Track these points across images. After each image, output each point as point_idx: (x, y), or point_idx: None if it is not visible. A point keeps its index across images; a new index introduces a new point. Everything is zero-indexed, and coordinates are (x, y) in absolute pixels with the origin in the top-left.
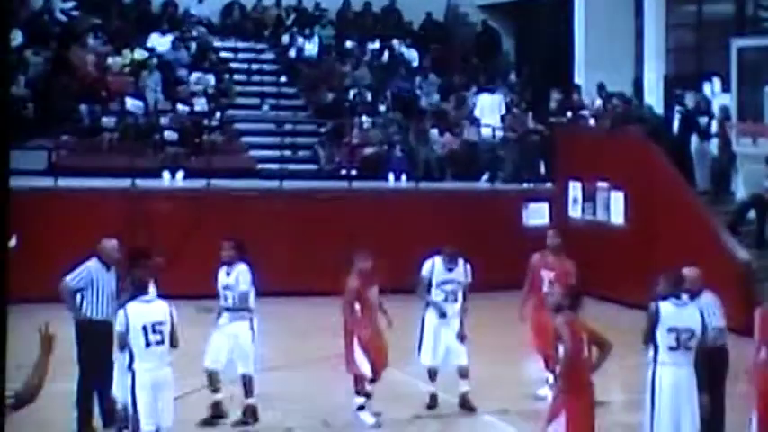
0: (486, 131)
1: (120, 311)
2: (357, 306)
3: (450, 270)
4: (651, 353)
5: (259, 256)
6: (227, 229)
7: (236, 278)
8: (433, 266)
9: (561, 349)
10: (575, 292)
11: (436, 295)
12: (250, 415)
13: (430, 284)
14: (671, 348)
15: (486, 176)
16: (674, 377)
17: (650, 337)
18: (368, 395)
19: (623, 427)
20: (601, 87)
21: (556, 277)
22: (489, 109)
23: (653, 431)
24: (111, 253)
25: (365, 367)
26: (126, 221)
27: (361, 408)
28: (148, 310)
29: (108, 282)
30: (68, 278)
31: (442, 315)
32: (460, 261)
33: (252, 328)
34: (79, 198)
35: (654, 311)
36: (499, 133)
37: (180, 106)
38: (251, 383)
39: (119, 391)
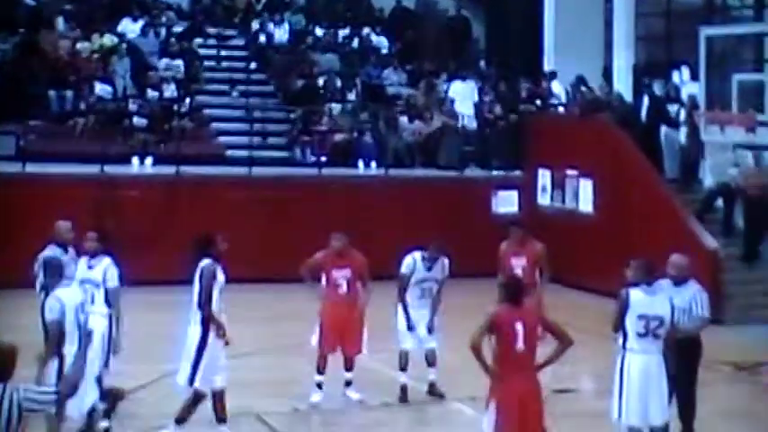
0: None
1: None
2: (323, 283)
3: (430, 269)
4: (620, 340)
5: (229, 242)
6: (197, 215)
7: (102, 273)
8: (414, 265)
9: (486, 338)
10: (512, 283)
11: (412, 292)
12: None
13: (408, 281)
14: (639, 335)
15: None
16: (642, 364)
17: (620, 324)
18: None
19: (592, 413)
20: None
21: (528, 262)
22: (462, 96)
23: (621, 417)
24: (66, 234)
25: (314, 338)
26: (95, 208)
27: (348, 384)
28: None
29: (67, 264)
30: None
31: (410, 328)
32: (441, 258)
33: (111, 325)
34: (47, 184)
35: (624, 298)
36: (471, 121)
37: (149, 92)
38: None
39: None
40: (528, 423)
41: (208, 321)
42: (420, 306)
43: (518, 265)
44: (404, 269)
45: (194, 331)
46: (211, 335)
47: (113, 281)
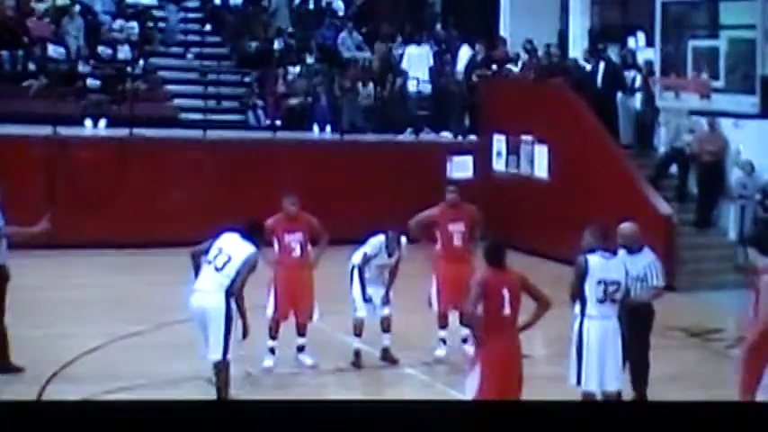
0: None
1: None
2: (275, 247)
3: (391, 255)
4: (578, 307)
5: (181, 206)
6: (150, 178)
7: None
8: (380, 249)
9: (479, 306)
10: (496, 247)
11: (371, 270)
12: None
13: (370, 261)
14: (599, 301)
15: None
16: (601, 329)
17: (578, 291)
18: (273, 337)
19: (546, 379)
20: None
21: (465, 227)
22: (417, 60)
23: (580, 383)
24: None
25: (270, 308)
26: (47, 169)
27: (300, 349)
28: None
29: None
30: None
31: (366, 300)
32: (402, 242)
33: None
34: (2, 144)
35: (582, 265)
36: (426, 86)
37: (102, 50)
38: None
39: None
40: (510, 386)
41: (230, 294)
42: (376, 284)
43: (456, 230)
44: (369, 250)
45: (217, 302)
46: (232, 304)
47: None
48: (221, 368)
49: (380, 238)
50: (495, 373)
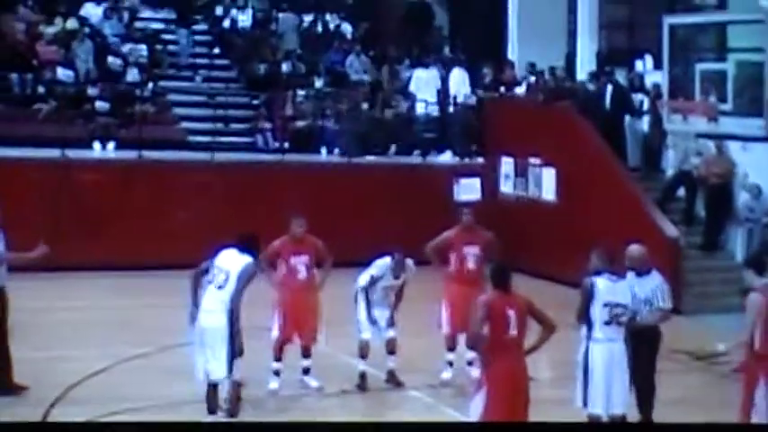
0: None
1: None
2: (281, 269)
3: (398, 278)
4: (584, 330)
5: (188, 228)
6: (158, 200)
7: None
8: (386, 271)
9: (484, 328)
10: (501, 270)
11: (376, 292)
12: None
13: (376, 283)
14: (605, 323)
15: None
16: (607, 352)
17: (584, 314)
18: (278, 359)
19: (552, 402)
20: (533, 65)
21: (480, 251)
22: (425, 83)
23: (587, 405)
24: None
25: (274, 330)
26: (55, 192)
27: (306, 371)
28: None
29: None
30: None
31: (372, 322)
32: (408, 265)
33: None
34: (8, 168)
35: (589, 287)
36: (434, 108)
37: (111, 76)
38: None
39: None
40: (517, 408)
41: (234, 312)
42: (381, 306)
43: (471, 253)
44: (375, 272)
45: (219, 322)
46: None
47: None
48: (234, 387)
49: (386, 260)
50: (501, 396)
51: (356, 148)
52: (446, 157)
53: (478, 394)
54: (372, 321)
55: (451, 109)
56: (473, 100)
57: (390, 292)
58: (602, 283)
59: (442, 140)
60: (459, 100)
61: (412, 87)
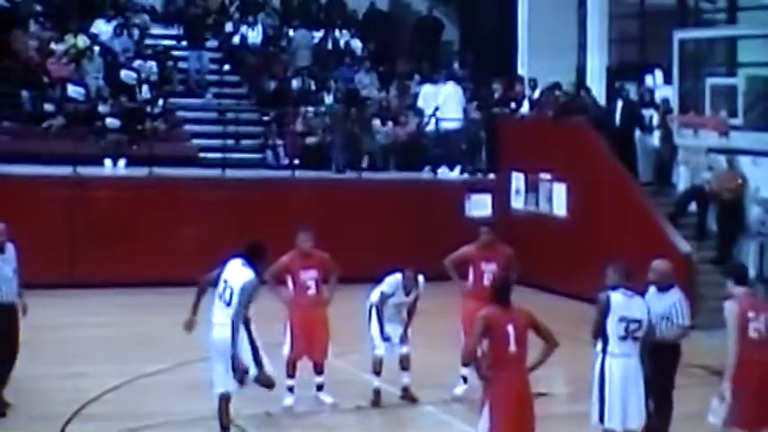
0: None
1: None
2: (290, 285)
3: (408, 294)
4: (600, 345)
5: (200, 244)
6: (169, 217)
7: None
8: (397, 287)
9: (484, 343)
10: (501, 284)
11: (387, 310)
12: None
13: (388, 300)
14: (621, 338)
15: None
16: (623, 368)
17: (600, 329)
18: (291, 376)
19: (567, 417)
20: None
21: (498, 267)
22: (434, 99)
23: (603, 422)
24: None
25: (286, 347)
26: (67, 209)
27: (319, 387)
28: None
29: (1, 265)
30: None
31: (385, 339)
32: (419, 281)
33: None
34: (20, 185)
35: (604, 302)
36: (444, 124)
37: (122, 92)
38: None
39: None
40: (523, 425)
41: (234, 325)
42: (394, 322)
43: (488, 269)
44: (386, 288)
45: (227, 335)
46: (242, 334)
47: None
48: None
49: (397, 276)
50: (505, 413)
51: (370, 164)
52: (455, 173)
53: (483, 413)
54: (385, 338)
55: (453, 125)
56: (476, 115)
57: (402, 309)
58: (617, 298)
59: (450, 156)
60: (449, 115)
61: (420, 103)
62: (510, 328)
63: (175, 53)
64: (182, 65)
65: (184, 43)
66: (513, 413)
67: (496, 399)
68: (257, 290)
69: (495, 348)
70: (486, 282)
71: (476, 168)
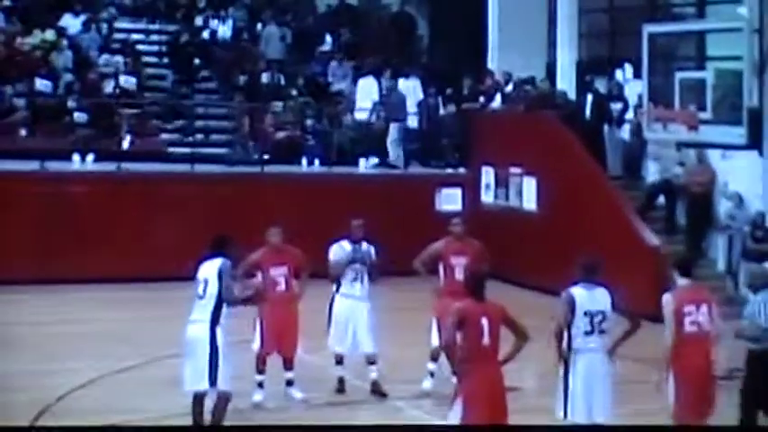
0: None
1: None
2: (259, 279)
3: (357, 250)
4: (565, 341)
5: (172, 240)
6: (138, 212)
7: None
8: (342, 249)
9: (458, 336)
10: (475, 278)
11: (345, 275)
12: None
13: (341, 266)
14: (586, 333)
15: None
16: (588, 362)
17: (568, 326)
18: (261, 372)
19: (536, 410)
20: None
21: (469, 261)
22: (405, 93)
23: (567, 416)
24: None
25: (256, 343)
26: (39, 204)
27: (289, 383)
28: None
29: None
30: None
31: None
32: (364, 243)
33: None
34: None
35: (570, 301)
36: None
37: (90, 87)
38: None
39: None
40: (495, 417)
41: (216, 320)
42: (353, 289)
43: (459, 263)
44: (332, 256)
45: (202, 332)
46: (219, 332)
47: None
48: (221, 397)
49: (338, 243)
50: (478, 404)
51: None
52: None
53: (455, 403)
54: (343, 335)
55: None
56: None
57: (359, 274)
58: (579, 293)
59: (424, 151)
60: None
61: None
62: (484, 321)
63: (143, 47)
64: (150, 60)
65: (154, 38)
66: (486, 404)
67: (470, 390)
68: (232, 270)
69: (470, 340)
70: (459, 275)
71: (447, 163)
